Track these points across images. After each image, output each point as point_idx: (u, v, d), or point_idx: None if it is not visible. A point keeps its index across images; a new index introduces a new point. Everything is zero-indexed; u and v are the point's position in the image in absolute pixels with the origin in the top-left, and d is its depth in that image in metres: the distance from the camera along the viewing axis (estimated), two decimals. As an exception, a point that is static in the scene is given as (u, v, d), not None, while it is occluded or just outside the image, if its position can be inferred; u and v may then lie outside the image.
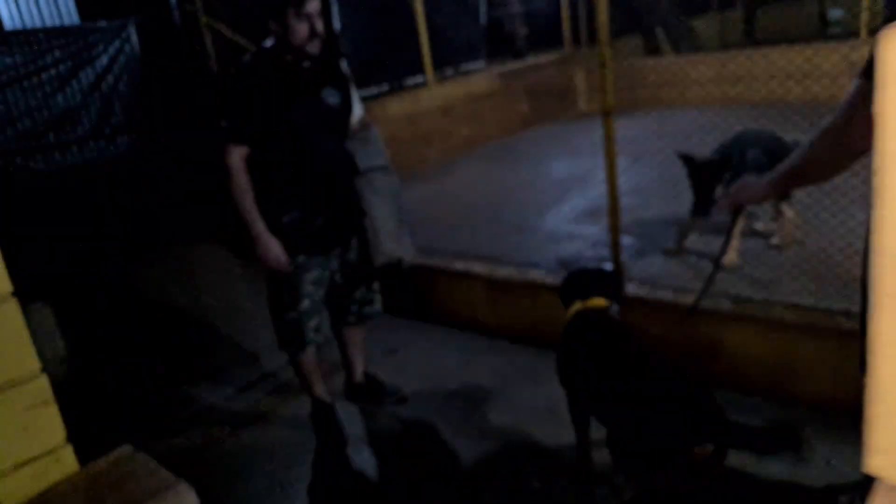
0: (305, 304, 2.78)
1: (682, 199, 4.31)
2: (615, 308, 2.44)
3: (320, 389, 3.08)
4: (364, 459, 2.90)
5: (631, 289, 3.26)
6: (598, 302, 2.41)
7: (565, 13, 8.81)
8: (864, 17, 6.87)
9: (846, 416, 2.63)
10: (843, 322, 2.56)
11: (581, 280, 2.53)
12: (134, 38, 5.01)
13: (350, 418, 3.16)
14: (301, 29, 2.55)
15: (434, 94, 6.74)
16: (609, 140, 3.25)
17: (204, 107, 5.31)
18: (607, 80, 3.16)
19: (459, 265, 3.95)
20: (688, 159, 3.34)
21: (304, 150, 2.66)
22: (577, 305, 2.45)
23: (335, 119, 2.79)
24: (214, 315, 4.18)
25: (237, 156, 2.60)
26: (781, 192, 1.78)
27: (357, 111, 2.97)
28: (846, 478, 2.22)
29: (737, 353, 2.91)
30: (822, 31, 10.92)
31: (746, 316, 2.83)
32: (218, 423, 3.31)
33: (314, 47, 2.61)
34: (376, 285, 3.11)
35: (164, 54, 5.11)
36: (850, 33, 9.06)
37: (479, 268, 3.86)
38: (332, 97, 2.75)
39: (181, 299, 4.30)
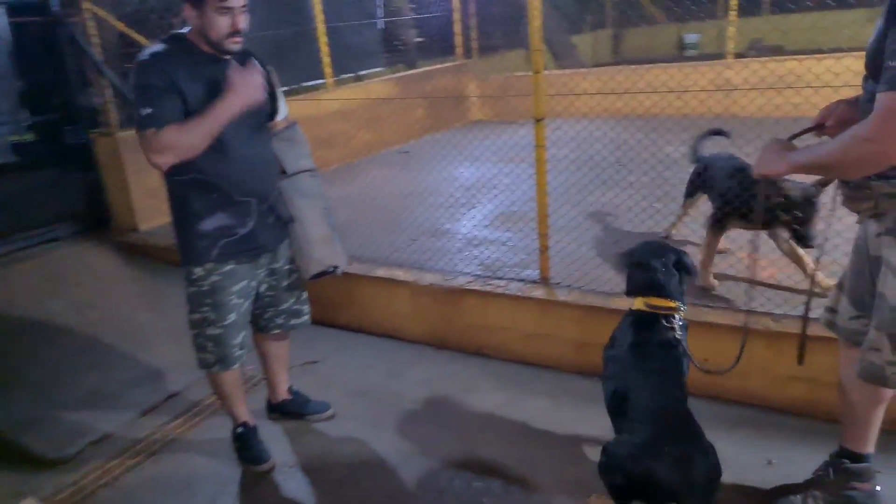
0: (231, 317, 2.52)
1: (588, 204, 4.43)
2: (681, 311, 2.09)
3: (243, 410, 2.80)
4: (296, 486, 2.65)
5: (561, 295, 3.27)
6: (662, 303, 2.06)
7: (457, 24, 8.89)
8: (731, 42, 7.48)
9: (777, 413, 2.77)
10: (770, 323, 2.70)
11: (646, 268, 2.11)
12: (2, 20, 4.40)
13: (275, 440, 2.90)
14: (221, 23, 2.28)
15: (334, 97, 6.55)
16: (540, 147, 3.25)
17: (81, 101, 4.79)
18: (539, 86, 3.17)
19: (381, 272, 3.80)
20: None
21: (228, 149, 2.41)
22: (637, 302, 2.12)
23: (259, 117, 2.57)
24: (104, 331, 3.73)
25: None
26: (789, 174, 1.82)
27: (283, 110, 2.77)
28: (790, 477, 2.26)
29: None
30: (679, 52, 12.00)
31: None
32: (119, 454, 2.92)
33: (234, 44, 2.36)
34: (305, 295, 2.90)
35: (38, 41, 4.53)
36: (706, 55, 10.05)
37: (402, 274, 3.74)
38: (256, 93, 2.52)
39: (63, 314, 3.80)
